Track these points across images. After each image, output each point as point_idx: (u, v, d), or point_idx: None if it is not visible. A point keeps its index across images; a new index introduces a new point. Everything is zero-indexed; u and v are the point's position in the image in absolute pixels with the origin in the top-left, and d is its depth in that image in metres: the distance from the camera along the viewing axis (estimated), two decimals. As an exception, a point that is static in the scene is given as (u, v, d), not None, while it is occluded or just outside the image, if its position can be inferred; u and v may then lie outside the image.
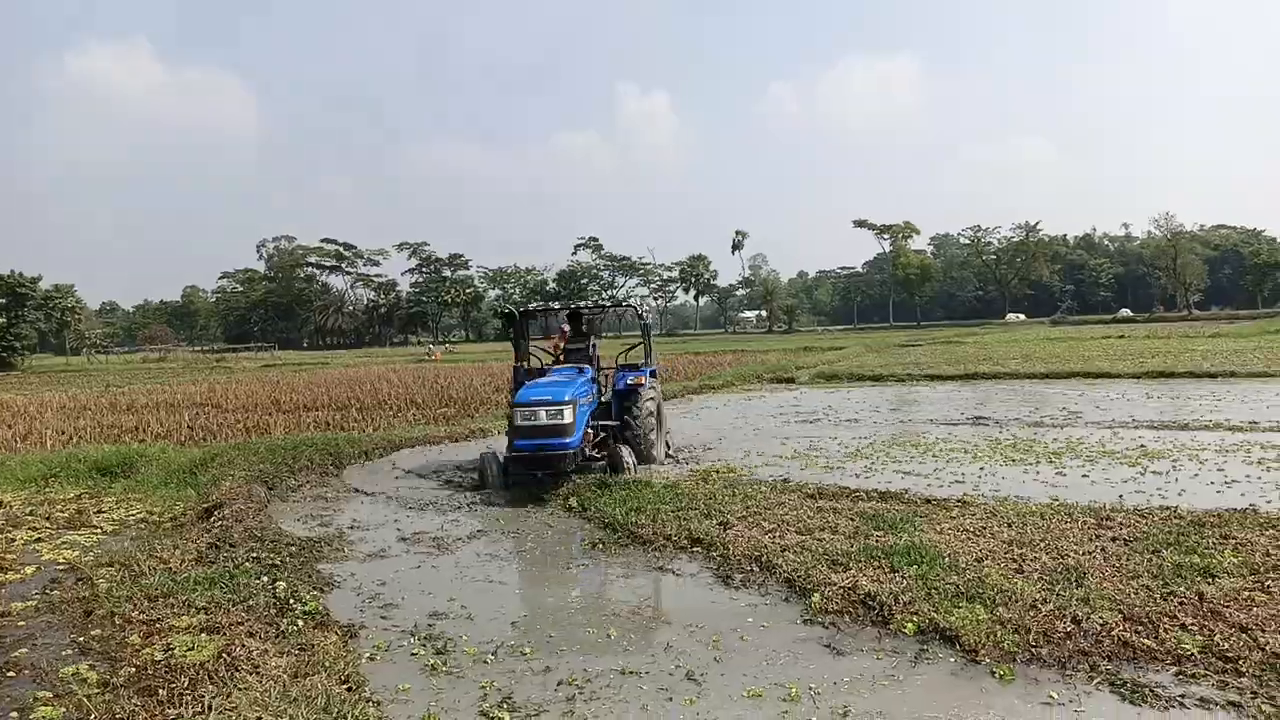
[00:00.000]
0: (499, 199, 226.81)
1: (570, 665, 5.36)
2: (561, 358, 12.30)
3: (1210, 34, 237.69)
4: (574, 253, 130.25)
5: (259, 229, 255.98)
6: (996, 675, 4.95)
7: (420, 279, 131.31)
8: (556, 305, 13.16)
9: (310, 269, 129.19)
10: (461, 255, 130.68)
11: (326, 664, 5.18)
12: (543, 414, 10.09)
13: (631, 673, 5.21)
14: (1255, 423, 14.13)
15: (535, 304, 13.35)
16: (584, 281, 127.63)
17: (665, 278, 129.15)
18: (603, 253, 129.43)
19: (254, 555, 7.73)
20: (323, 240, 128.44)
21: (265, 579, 6.99)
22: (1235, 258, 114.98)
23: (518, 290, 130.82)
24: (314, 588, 6.96)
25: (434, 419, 18.73)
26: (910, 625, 5.64)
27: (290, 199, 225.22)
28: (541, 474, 10.39)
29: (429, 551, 8.27)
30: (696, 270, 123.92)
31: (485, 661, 5.48)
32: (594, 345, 12.47)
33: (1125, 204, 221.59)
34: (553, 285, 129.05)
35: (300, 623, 5.97)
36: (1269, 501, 8.66)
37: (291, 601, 6.43)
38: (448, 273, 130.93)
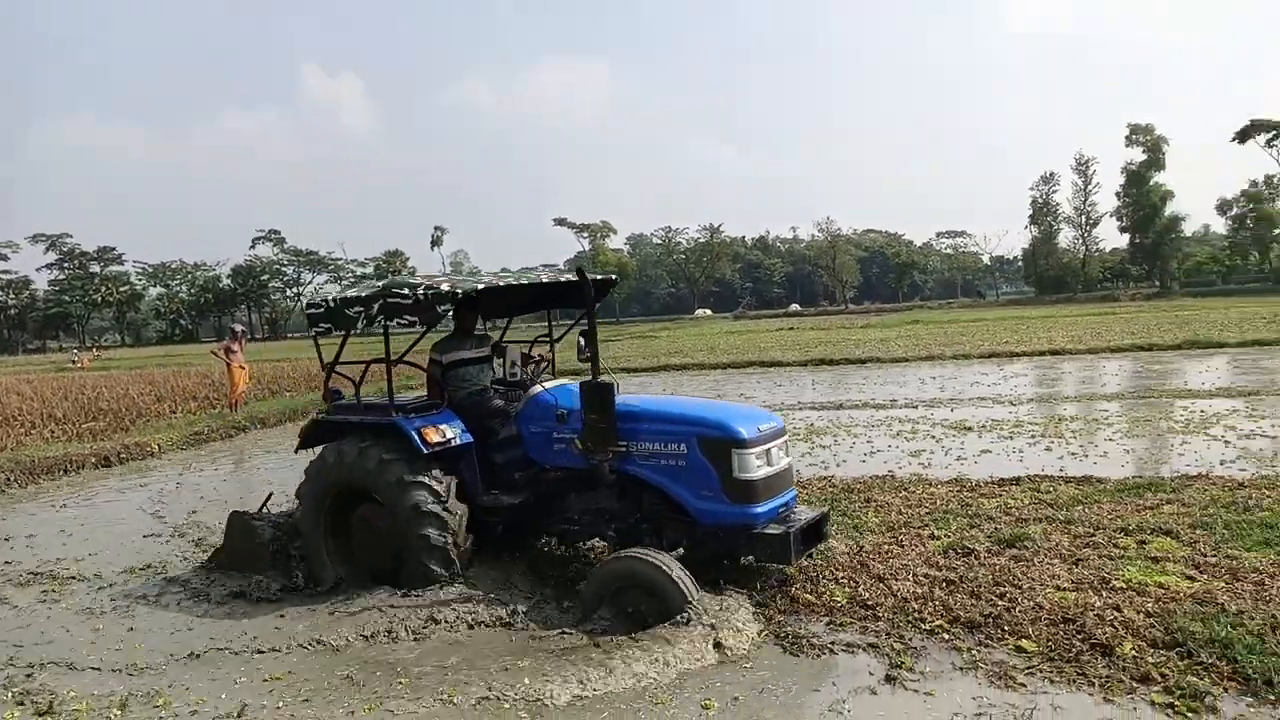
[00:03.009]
0: (159, 186, 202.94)
1: None
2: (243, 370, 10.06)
3: (865, 48, 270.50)
4: (252, 247, 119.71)
5: None
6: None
7: (62, 276, 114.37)
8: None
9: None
10: (113, 249, 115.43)
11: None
12: (777, 452, 6.02)
13: None
14: (894, 400, 16.24)
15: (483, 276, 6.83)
16: (264, 278, 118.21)
17: (358, 274, 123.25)
18: (286, 247, 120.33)
19: None
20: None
21: None
22: (881, 258, 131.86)
23: (184, 288, 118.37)
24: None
25: (79, 434, 16.28)
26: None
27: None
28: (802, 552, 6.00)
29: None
30: (393, 267, 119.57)
31: None
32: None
33: (791, 207, 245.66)
34: (227, 283, 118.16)
35: None
36: (901, 468, 10.00)
37: None
38: (97, 268, 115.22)
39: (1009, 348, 26.40)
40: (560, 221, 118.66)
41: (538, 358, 7.28)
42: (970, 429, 12.48)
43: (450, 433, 6.31)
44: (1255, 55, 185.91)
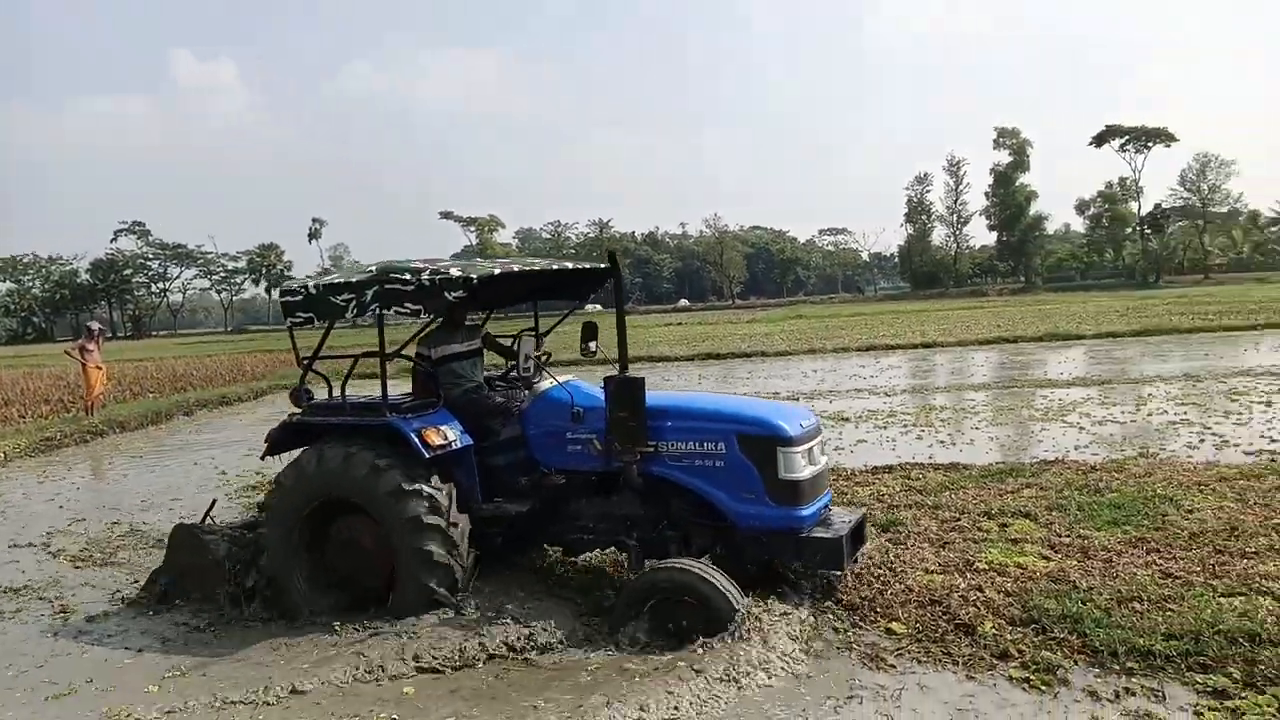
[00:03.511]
0: (6, 173, 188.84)
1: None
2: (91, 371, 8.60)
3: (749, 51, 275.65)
4: (114, 239, 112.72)
5: None
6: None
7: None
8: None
9: None
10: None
11: None
12: (818, 451, 5.67)
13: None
14: (777, 393, 16.54)
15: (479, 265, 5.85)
16: (127, 273, 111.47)
17: (230, 269, 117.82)
18: (151, 240, 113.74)
19: None
20: None
21: None
22: (767, 254, 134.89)
23: (38, 284, 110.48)
24: None
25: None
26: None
27: None
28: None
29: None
30: (268, 261, 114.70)
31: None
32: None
33: (681, 204, 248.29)
34: (86, 278, 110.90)
35: None
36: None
37: None
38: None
39: (885, 341, 27.40)
40: (447, 215, 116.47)
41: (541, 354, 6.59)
42: (848, 419, 12.86)
43: (451, 435, 5.62)
44: (1112, 62, 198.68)
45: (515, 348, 6.34)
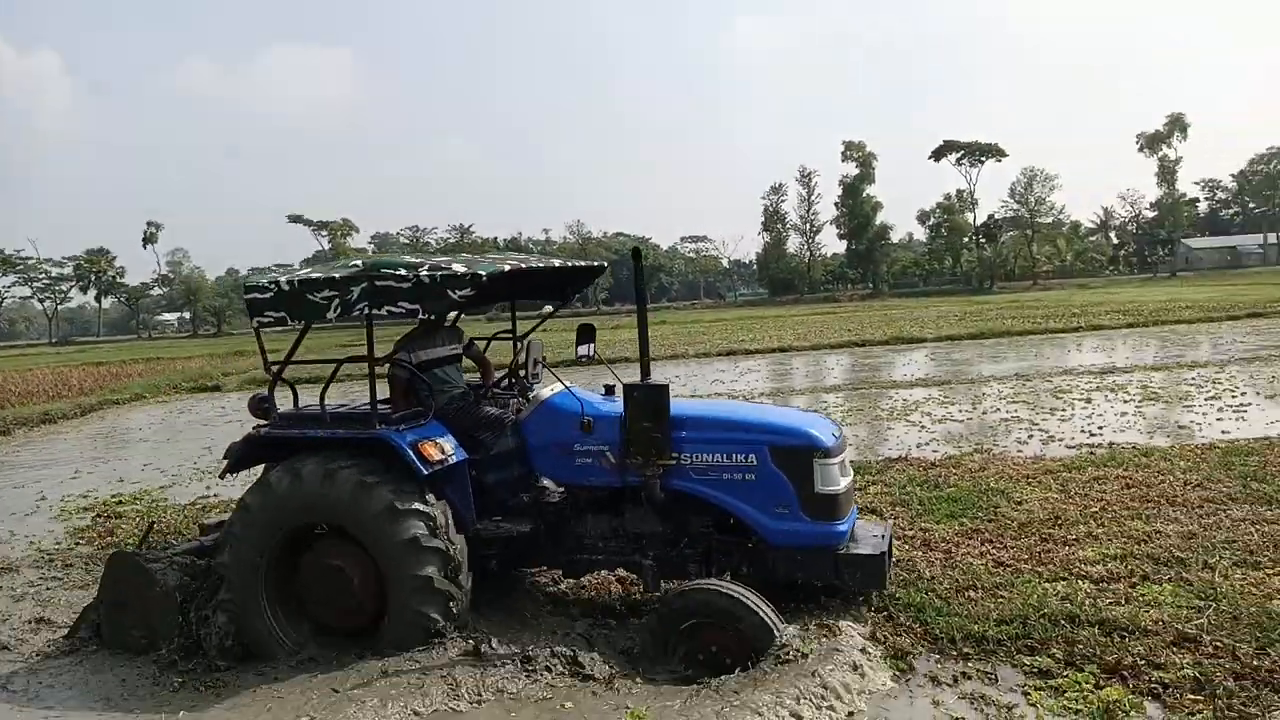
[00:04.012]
0: None
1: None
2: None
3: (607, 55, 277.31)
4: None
5: None
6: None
7: None
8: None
9: None
10: None
11: None
12: (848, 463, 5.41)
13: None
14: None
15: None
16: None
17: (55, 275, 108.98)
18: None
19: None
20: None
21: None
22: (630, 261, 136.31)
23: None
24: None
25: None
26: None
27: None
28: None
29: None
30: (97, 267, 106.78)
31: None
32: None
33: (543, 209, 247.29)
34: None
35: None
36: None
37: None
38: None
39: (745, 346, 28.14)
40: (296, 218, 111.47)
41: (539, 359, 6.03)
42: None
43: (447, 448, 5.09)
44: (950, 80, 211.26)
45: (519, 352, 5.80)
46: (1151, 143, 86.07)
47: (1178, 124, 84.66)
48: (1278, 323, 25.61)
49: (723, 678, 4.37)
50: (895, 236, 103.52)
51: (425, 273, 4.82)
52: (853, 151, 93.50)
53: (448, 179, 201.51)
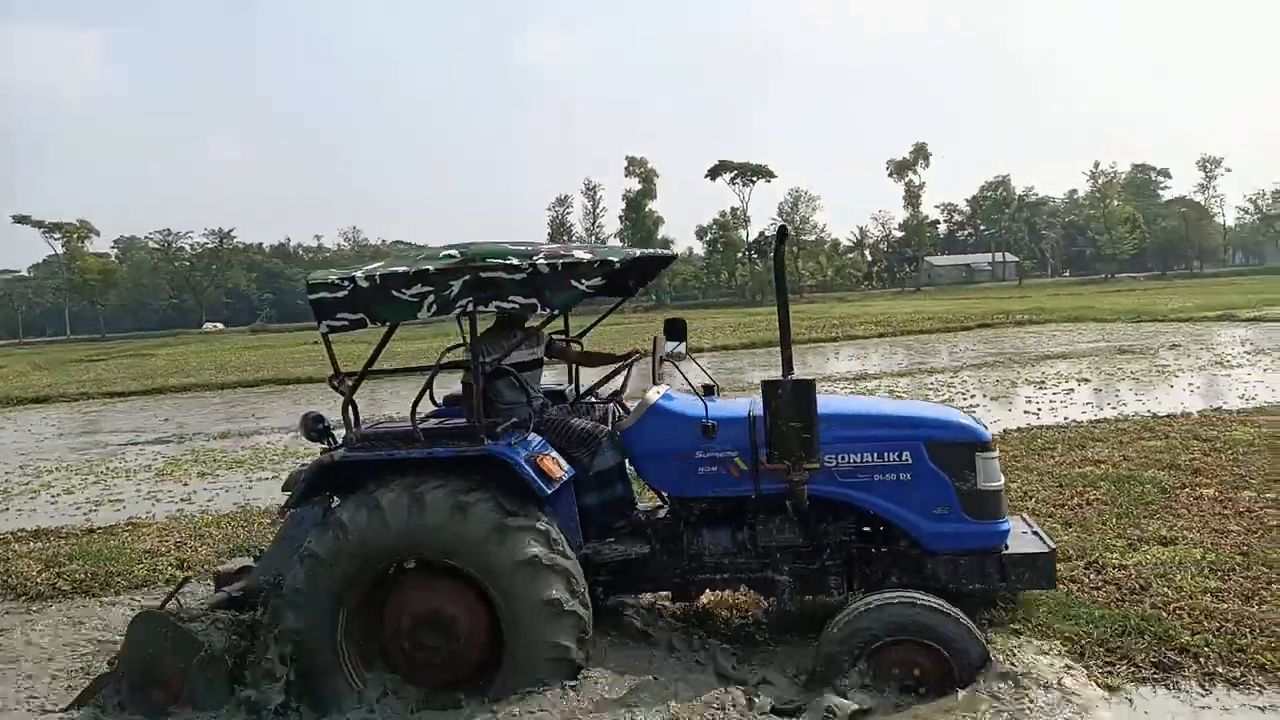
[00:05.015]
0: None
1: None
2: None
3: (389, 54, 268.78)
4: None
5: None
6: None
7: None
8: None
9: None
10: None
11: None
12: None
13: None
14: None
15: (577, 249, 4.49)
16: None
17: None
18: None
19: None
20: None
21: None
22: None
23: None
24: None
25: None
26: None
27: None
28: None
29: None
30: None
31: None
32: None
33: (315, 216, 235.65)
34: None
35: None
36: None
37: None
38: None
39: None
40: (22, 219, 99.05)
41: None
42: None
43: (563, 464, 4.49)
44: (731, 103, 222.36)
45: (656, 349, 5.29)
46: (899, 169, 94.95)
47: (921, 152, 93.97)
48: (1003, 333, 28.92)
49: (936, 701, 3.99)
50: (676, 250, 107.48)
51: (543, 261, 4.25)
52: (635, 166, 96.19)
53: (208, 180, 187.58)
